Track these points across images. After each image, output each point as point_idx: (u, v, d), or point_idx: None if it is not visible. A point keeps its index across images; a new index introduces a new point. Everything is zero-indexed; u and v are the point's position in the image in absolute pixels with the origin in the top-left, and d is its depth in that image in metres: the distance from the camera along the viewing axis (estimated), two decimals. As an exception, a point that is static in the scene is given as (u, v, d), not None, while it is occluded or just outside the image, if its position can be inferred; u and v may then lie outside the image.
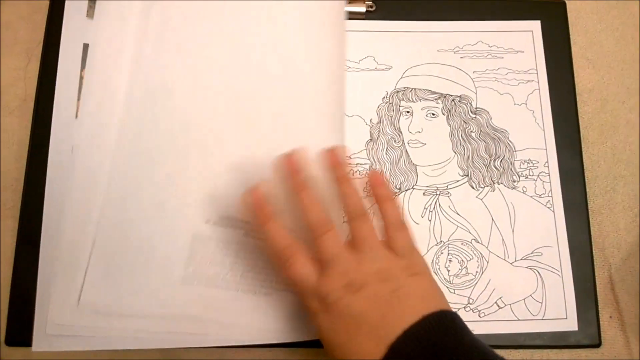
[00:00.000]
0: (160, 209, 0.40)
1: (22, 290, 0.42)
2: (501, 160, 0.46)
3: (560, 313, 0.43)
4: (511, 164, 0.46)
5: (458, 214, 0.45)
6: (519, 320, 0.43)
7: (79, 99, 0.43)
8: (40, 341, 0.39)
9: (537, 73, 0.48)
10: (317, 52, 0.45)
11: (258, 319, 0.40)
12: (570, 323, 0.43)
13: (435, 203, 0.45)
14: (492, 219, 0.45)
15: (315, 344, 0.38)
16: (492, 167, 0.46)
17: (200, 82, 0.43)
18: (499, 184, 0.45)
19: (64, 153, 0.42)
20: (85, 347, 0.39)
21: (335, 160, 0.37)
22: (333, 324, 0.33)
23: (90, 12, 0.45)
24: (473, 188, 0.45)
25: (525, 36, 0.49)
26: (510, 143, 0.46)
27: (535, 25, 0.49)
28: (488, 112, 0.47)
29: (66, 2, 0.45)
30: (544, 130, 0.46)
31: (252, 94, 0.44)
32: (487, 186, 0.45)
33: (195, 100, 0.43)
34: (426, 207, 0.45)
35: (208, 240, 0.40)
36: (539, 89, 0.47)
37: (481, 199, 0.45)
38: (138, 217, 0.40)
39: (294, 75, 0.44)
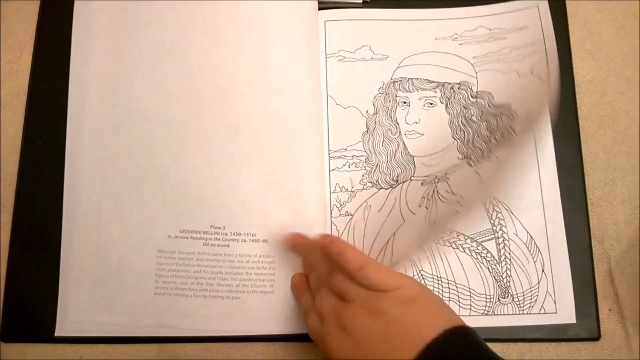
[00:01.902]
0: (128, 230, 0.43)
1: (16, 287, 0.42)
2: (502, 132, 0.45)
3: (559, 306, 0.42)
4: (512, 129, 0.45)
5: (453, 194, 0.44)
6: (517, 314, 0.42)
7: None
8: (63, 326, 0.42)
9: (544, 44, 0.47)
10: (291, 52, 0.46)
11: (229, 322, 0.42)
12: (568, 316, 0.42)
13: (433, 191, 0.45)
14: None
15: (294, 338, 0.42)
16: (493, 140, 0.45)
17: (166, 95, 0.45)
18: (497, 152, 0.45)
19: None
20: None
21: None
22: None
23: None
24: (471, 166, 0.45)
25: (529, 13, 0.48)
26: (512, 114, 0.45)
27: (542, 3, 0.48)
28: (490, 93, 0.46)
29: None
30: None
31: (218, 104, 0.45)
32: (486, 158, 0.45)
33: (158, 117, 0.45)
34: (424, 196, 0.44)
35: (171, 254, 0.43)
36: (546, 57, 0.46)
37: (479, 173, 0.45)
38: (110, 238, 0.43)
39: (263, 80, 0.45)
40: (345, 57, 0.47)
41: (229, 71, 0.45)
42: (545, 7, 0.48)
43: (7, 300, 0.42)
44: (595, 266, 0.44)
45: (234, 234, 0.43)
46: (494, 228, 0.44)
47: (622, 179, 0.46)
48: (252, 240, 0.43)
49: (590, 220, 0.45)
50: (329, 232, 0.44)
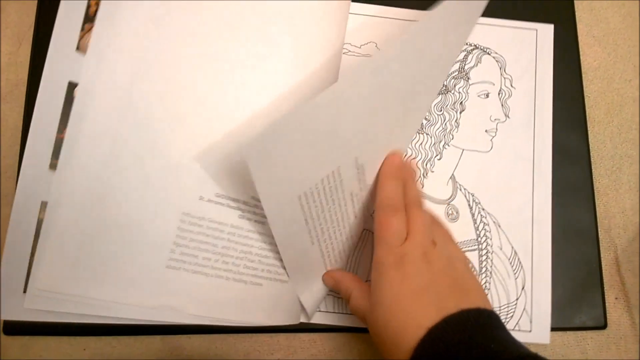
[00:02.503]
0: (146, 181, 0.35)
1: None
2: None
3: (534, 325, 0.42)
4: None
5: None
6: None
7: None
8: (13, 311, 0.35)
9: (535, 71, 0.46)
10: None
11: (242, 308, 0.38)
12: (542, 337, 0.42)
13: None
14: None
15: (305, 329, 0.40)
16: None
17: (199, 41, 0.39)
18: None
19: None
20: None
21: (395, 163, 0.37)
22: (402, 283, 0.32)
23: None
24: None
25: (526, 35, 0.47)
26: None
27: (543, 28, 0.47)
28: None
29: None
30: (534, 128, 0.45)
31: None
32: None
33: (191, 64, 0.38)
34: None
35: (200, 220, 0.36)
36: (535, 87, 0.46)
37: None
38: (119, 192, 0.35)
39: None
40: (349, 51, 0.46)
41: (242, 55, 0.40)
42: (545, 33, 0.47)
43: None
44: (601, 255, 0.43)
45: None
46: (479, 239, 0.43)
47: (629, 167, 0.46)
48: None
49: (597, 209, 0.44)
50: None
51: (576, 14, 0.48)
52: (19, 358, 0.41)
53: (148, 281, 0.35)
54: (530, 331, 0.41)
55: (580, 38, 0.47)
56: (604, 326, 0.42)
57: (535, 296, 0.42)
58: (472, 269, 0.37)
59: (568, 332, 0.42)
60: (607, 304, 0.43)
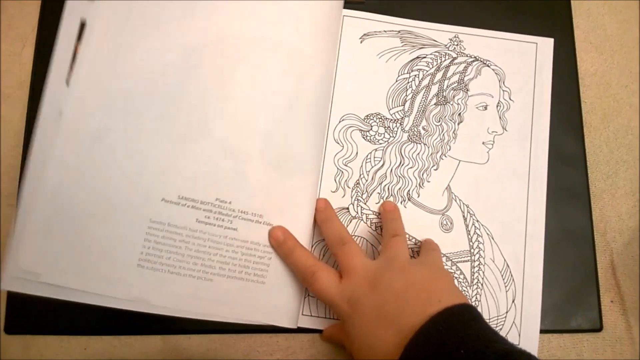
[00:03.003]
0: (117, 186, 0.39)
1: (20, 278, 0.42)
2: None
3: (522, 340, 0.42)
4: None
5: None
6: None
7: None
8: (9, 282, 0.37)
9: (534, 84, 0.47)
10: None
11: (208, 303, 0.40)
12: (530, 348, 0.42)
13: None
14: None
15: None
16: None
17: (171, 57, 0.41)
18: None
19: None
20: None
21: (318, 208, 0.42)
22: (361, 321, 0.35)
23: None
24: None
25: (527, 48, 0.48)
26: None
27: (544, 41, 0.48)
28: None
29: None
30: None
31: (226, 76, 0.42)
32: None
33: (165, 71, 0.41)
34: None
35: (163, 225, 0.39)
36: (533, 99, 0.47)
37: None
38: (95, 191, 0.38)
39: (275, 58, 0.43)
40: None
41: (234, 58, 0.42)
42: (545, 47, 0.47)
43: (11, 292, 0.42)
44: (597, 258, 0.44)
45: (241, 211, 0.41)
46: (472, 250, 0.44)
47: (624, 172, 0.46)
48: (258, 222, 0.41)
49: (593, 213, 0.45)
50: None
51: (573, 20, 0.48)
52: (20, 356, 0.41)
53: (120, 277, 0.38)
54: (518, 344, 0.42)
55: (577, 44, 0.48)
56: (599, 329, 0.43)
57: (525, 310, 0.43)
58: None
59: (564, 335, 0.43)
60: (602, 307, 0.43)
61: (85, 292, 0.38)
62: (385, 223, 0.42)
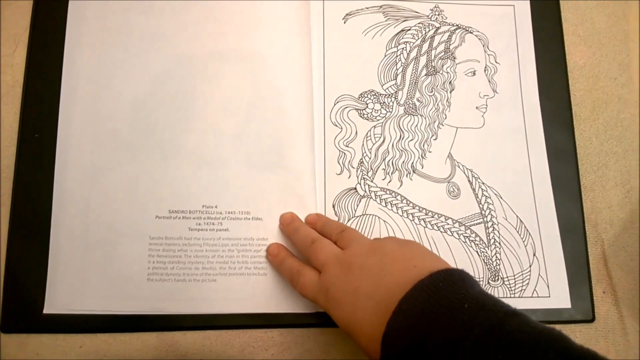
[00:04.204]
0: (116, 213, 0.43)
1: (16, 278, 0.42)
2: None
3: (552, 291, 0.43)
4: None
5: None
6: (509, 297, 0.43)
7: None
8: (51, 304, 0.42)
9: (517, 46, 0.48)
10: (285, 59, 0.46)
11: (217, 302, 0.42)
12: (562, 301, 0.43)
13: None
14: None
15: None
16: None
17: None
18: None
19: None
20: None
21: (283, 222, 0.43)
22: (339, 308, 0.35)
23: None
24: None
25: (505, 12, 0.49)
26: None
27: (520, 4, 0.49)
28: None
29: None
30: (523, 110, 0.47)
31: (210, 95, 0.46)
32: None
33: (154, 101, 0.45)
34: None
35: (161, 239, 0.43)
36: (518, 60, 0.48)
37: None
38: (101, 221, 0.43)
39: (253, 61, 0.46)
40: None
41: (218, 55, 0.46)
42: (522, 8, 0.49)
43: (7, 291, 0.42)
44: (589, 249, 0.44)
45: (228, 212, 0.43)
46: (483, 212, 0.44)
47: (614, 163, 0.47)
48: (246, 219, 0.43)
49: (584, 205, 0.45)
50: (322, 201, 0.44)
51: (562, 14, 0.49)
52: (16, 355, 0.41)
53: (136, 294, 0.42)
54: (549, 296, 0.43)
55: (565, 37, 0.48)
56: (592, 319, 0.43)
57: (548, 260, 0.43)
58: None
59: (557, 326, 0.42)
60: (595, 298, 0.43)
61: (107, 313, 0.42)
62: (293, 236, 0.42)
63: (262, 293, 0.42)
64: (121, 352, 0.42)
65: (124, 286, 0.42)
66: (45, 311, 0.41)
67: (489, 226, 0.44)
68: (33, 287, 0.42)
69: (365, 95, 0.46)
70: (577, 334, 0.43)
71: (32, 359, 0.41)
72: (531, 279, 0.43)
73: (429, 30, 0.48)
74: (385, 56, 0.47)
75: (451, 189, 0.45)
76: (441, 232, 0.44)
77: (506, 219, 0.44)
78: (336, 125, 0.45)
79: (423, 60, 0.47)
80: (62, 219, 0.43)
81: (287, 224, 0.43)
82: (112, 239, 0.43)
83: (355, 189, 0.44)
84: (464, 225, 0.44)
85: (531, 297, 0.43)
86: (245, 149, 0.44)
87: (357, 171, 0.45)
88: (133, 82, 0.45)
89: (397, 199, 0.44)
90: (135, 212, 0.43)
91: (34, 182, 0.44)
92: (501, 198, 0.45)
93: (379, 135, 0.45)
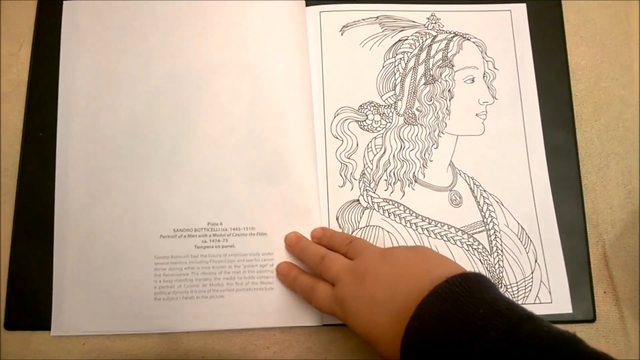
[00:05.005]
0: (120, 231, 0.43)
1: (20, 276, 0.43)
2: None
3: (554, 296, 0.43)
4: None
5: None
6: (511, 298, 0.43)
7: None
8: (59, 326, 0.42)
9: (515, 50, 0.48)
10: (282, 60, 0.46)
11: (226, 318, 0.42)
12: (564, 306, 0.43)
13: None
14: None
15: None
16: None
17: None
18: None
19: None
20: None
21: (289, 244, 0.43)
22: (357, 317, 0.35)
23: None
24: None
25: (501, 17, 0.49)
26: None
27: (517, 7, 0.49)
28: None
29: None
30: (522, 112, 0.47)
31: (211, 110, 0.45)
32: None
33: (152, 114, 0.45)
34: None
35: (167, 259, 0.43)
36: (516, 64, 0.48)
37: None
38: (104, 243, 0.43)
39: (252, 76, 0.46)
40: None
41: (217, 69, 0.45)
42: (519, 12, 0.49)
43: (11, 289, 0.42)
44: (590, 250, 0.44)
45: (233, 229, 0.43)
46: (485, 220, 0.44)
47: (616, 164, 0.47)
48: (251, 234, 0.43)
49: (585, 205, 0.45)
50: (325, 214, 0.45)
51: (563, 14, 0.49)
52: (19, 352, 0.42)
53: (143, 313, 0.42)
54: (550, 302, 0.43)
55: (567, 38, 0.48)
56: (593, 319, 0.43)
57: (549, 267, 0.43)
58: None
59: (558, 326, 0.43)
60: (596, 298, 0.43)
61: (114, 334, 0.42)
62: (301, 256, 0.42)
63: (270, 308, 0.42)
64: (124, 349, 0.42)
65: (131, 306, 0.42)
66: (52, 334, 0.42)
67: (491, 234, 0.44)
68: (37, 285, 0.42)
69: (365, 107, 0.46)
70: (578, 334, 0.42)
71: (35, 357, 0.42)
72: (533, 286, 0.43)
73: (426, 39, 0.48)
74: (383, 67, 0.47)
75: (453, 197, 0.45)
76: (444, 240, 0.44)
77: (508, 226, 0.44)
78: (337, 138, 0.46)
79: (421, 69, 0.47)
80: (65, 234, 0.43)
81: (294, 244, 0.43)
82: (116, 259, 0.42)
83: (358, 200, 0.45)
84: (466, 233, 0.44)
85: (534, 303, 0.43)
86: (247, 163, 0.44)
87: (359, 183, 0.45)
88: (131, 93, 0.45)
89: (399, 209, 0.44)
90: (138, 232, 0.43)
91: (39, 181, 0.44)
92: (502, 205, 0.45)
93: (380, 146, 0.45)
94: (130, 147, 0.44)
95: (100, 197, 0.43)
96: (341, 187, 0.45)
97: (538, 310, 0.42)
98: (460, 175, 0.45)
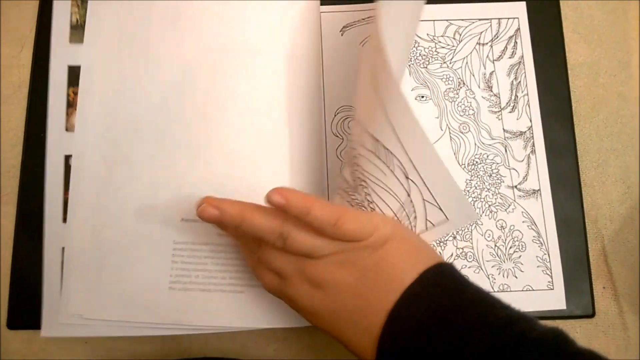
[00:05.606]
0: (140, 214, 0.41)
1: (22, 275, 0.43)
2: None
3: (549, 292, 0.43)
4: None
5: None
6: (510, 291, 0.43)
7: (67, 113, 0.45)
8: (50, 328, 0.41)
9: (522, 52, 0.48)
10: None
11: (244, 316, 0.40)
12: (558, 302, 0.43)
13: None
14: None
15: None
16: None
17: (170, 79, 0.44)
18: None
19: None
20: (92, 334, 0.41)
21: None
22: (317, 324, 0.33)
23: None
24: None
25: (503, 15, 0.49)
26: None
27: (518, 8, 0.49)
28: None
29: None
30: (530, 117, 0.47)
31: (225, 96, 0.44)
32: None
33: (167, 99, 0.44)
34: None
35: (186, 244, 0.41)
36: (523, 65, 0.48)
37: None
38: (119, 225, 0.41)
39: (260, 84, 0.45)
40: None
41: (229, 71, 0.45)
42: (519, 10, 0.49)
43: (13, 288, 0.43)
44: (589, 245, 0.44)
45: None
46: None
47: (614, 160, 0.47)
48: None
49: (584, 201, 0.45)
50: None
51: (561, 11, 0.49)
52: (22, 351, 0.42)
53: (155, 303, 0.40)
54: (548, 298, 0.43)
55: (565, 34, 0.48)
56: (592, 315, 0.43)
57: (547, 261, 0.43)
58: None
59: (557, 321, 0.43)
60: (595, 293, 0.44)
61: (122, 324, 0.40)
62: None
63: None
64: (126, 347, 0.42)
65: (143, 295, 0.40)
66: (60, 321, 0.40)
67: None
68: (39, 284, 0.42)
69: None
70: (577, 330, 0.43)
71: (37, 356, 0.42)
72: (531, 280, 0.43)
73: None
74: None
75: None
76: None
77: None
78: (337, 136, 0.46)
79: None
80: (71, 219, 0.42)
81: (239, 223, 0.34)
82: (131, 243, 0.41)
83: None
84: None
85: (530, 294, 0.43)
86: (275, 150, 0.43)
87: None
88: (138, 86, 0.44)
89: None
90: (158, 214, 0.41)
91: (40, 182, 0.44)
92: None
93: None
94: (153, 125, 0.43)
95: (117, 176, 0.42)
96: None
97: (535, 306, 0.43)
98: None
